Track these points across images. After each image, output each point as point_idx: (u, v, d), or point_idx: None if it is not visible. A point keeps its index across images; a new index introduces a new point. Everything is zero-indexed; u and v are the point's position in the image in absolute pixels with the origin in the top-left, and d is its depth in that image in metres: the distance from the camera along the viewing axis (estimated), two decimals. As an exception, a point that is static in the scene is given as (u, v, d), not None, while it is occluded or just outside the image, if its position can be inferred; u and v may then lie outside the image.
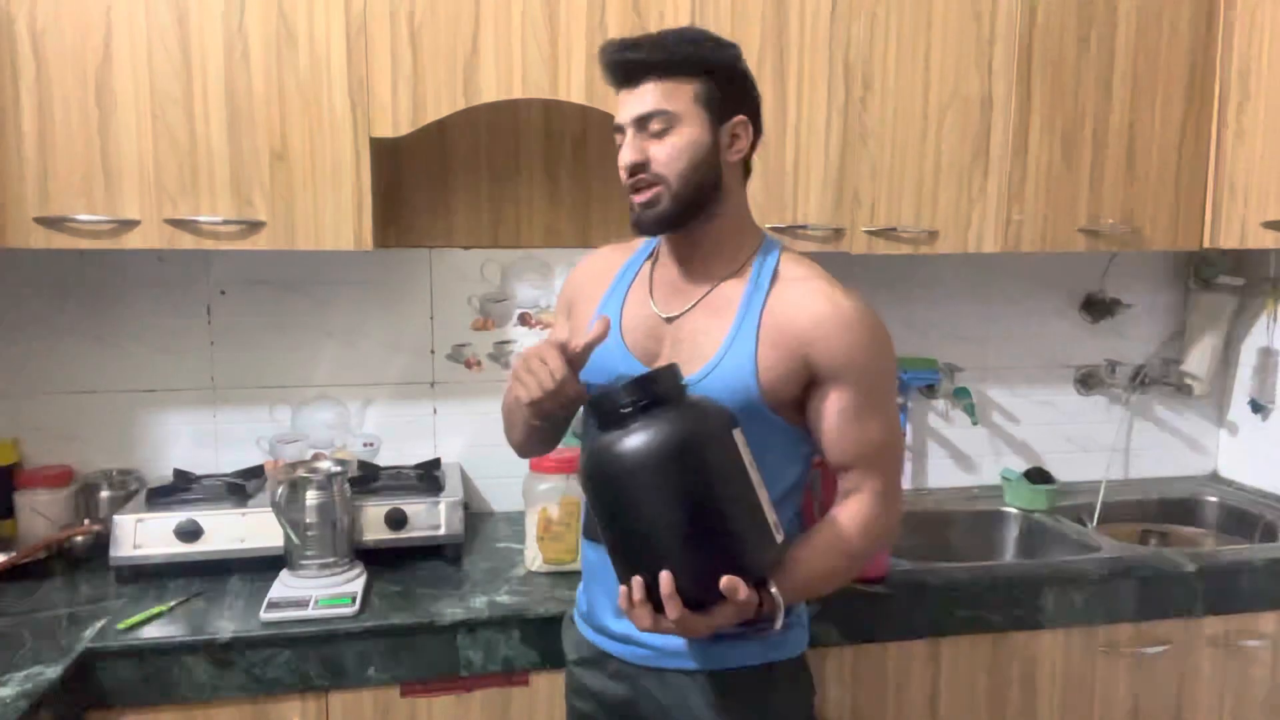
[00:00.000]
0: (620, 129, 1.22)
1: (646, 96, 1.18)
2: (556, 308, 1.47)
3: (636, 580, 1.05)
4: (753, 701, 1.22)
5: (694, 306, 1.26)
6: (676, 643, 1.22)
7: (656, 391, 1.05)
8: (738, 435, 1.09)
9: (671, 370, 1.10)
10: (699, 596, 1.03)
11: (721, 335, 1.22)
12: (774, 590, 1.11)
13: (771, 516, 1.09)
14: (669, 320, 1.27)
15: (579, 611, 1.37)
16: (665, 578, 1.03)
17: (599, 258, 1.41)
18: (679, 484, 1.02)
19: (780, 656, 1.25)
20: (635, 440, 1.02)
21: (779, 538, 1.10)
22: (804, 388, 1.21)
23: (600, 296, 1.34)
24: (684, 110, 1.18)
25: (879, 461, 1.22)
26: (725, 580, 1.03)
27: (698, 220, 1.23)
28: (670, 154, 1.18)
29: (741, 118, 1.22)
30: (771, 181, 1.77)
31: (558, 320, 1.45)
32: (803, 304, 1.21)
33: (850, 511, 1.22)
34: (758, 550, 1.07)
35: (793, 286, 1.23)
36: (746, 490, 1.07)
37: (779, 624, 1.12)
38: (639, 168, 1.19)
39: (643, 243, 1.37)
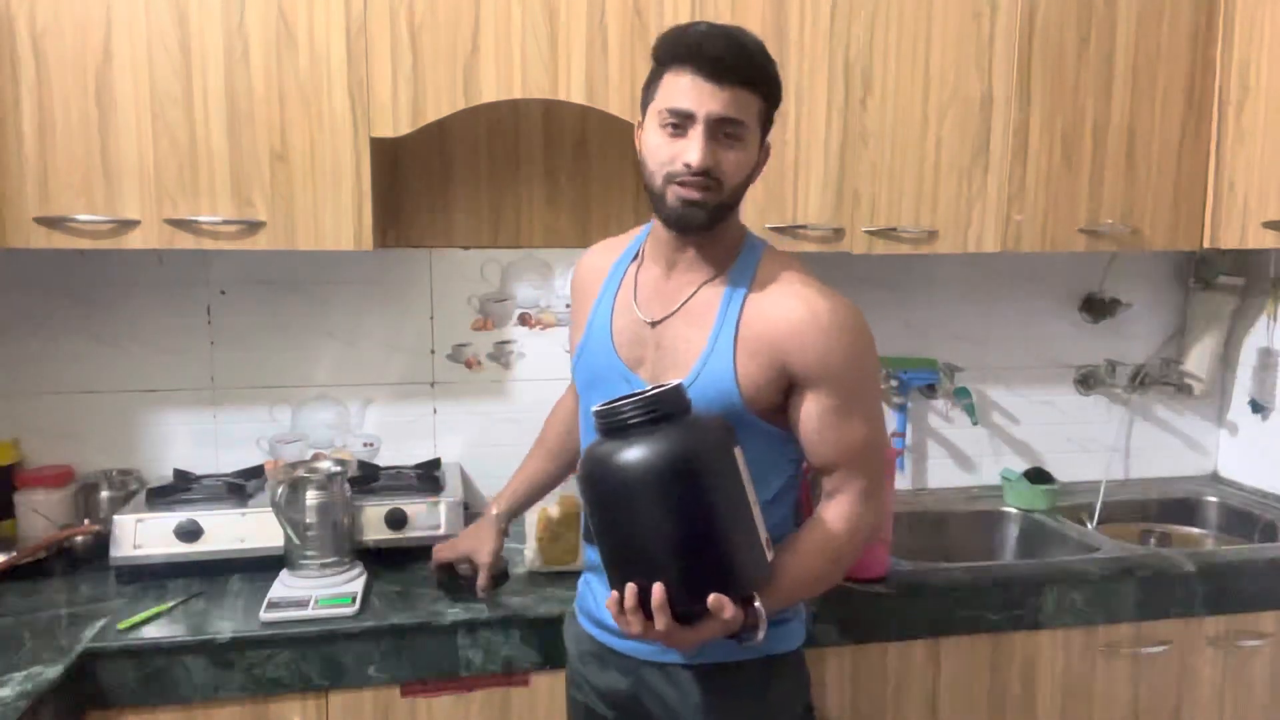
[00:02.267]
0: (683, 117, 1.15)
1: (729, 100, 1.14)
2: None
3: (630, 588, 1.06)
4: (752, 693, 1.24)
5: (676, 312, 1.25)
6: None
7: (664, 409, 1.05)
8: (738, 453, 1.10)
9: (678, 389, 1.09)
10: (687, 609, 1.05)
11: (701, 344, 1.22)
12: (758, 605, 1.12)
13: (764, 534, 1.11)
14: (652, 325, 1.27)
15: (581, 607, 1.38)
16: (658, 589, 1.04)
17: (592, 258, 1.41)
18: (678, 499, 1.03)
19: (779, 650, 1.26)
20: (637, 452, 1.03)
21: (770, 555, 1.12)
22: (785, 392, 1.21)
23: (592, 303, 1.35)
24: (751, 125, 1.18)
25: (861, 461, 1.21)
26: (713, 599, 1.04)
27: (717, 224, 1.22)
28: (736, 165, 1.17)
29: (768, 140, 1.25)
30: (771, 181, 1.77)
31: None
32: (778, 310, 1.20)
33: (835, 513, 1.22)
34: (748, 568, 1.09)
35: (770, 291, 1.22)
36: (743, 509, 1.08)
37: (761, 635, 1.12)
38: (708, 172, 1.16)
39: (630, 241, 1.36)
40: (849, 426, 1.20)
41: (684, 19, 1.68)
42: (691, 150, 1.14)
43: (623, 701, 1.30)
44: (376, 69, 1.59)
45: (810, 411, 1.20)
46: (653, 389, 1.08)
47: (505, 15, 1.63)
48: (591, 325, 1.33)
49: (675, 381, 1.11)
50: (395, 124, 1.61)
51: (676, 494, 1.03)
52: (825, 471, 1.23)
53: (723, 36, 1.15)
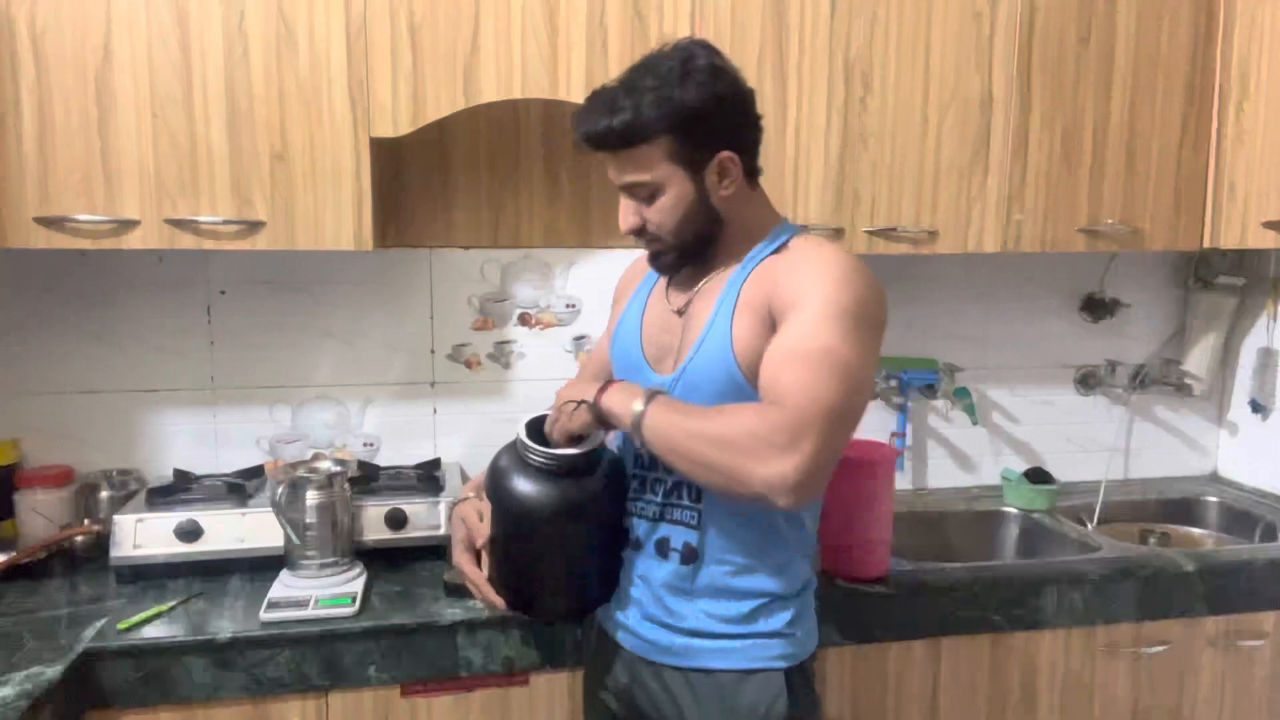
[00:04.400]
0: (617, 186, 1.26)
1: (624, 165, 1.20)
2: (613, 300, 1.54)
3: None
4: (726, 703, 1.23)
5: (698, 292, 1.29)
6: (669, 639, 1.26)
7: (557, 468, 1.25)
8: (585, 527, 1.28)
9: (581, 457, 1.25)
10: (510, 598, 1.33)
11: (709, 314, 1.24)
12: (609, 393, 1.21)
13: (591, 575, 1.32)
14: (679, 313, 1.30)
15: None
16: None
17: (634, 265, 1.49)
18: (525, 534, 1.28)
19: (759, 665, 1.23)
20: (519, 483, 1.25)
21: (589, 594, 1.34)
22: None
23: (628, 300, 1.42)
24: (661, 174, 1.19)
25: (792, 387, 1.08)
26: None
27: (709, 251, 1.27)
28: (661, 216, 1.22)
29: (725, 154, 1.19)
30: (771, 181, 1.76)
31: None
32: (784, 260, 1.21)
33: (736, 410, 1.14)
34: (545, 598, 1.34)
35: (789, 252, 1.23)
36: (556, 561, 1.30)
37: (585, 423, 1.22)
38: (638, 230, 1.25)
39: None
40: (805, 346, 1.09)
41: (684, 19, 1.68)
42: (620, 220, 1.26)
43: (624, 693, 1.33)
44: (376, 69, 1.59)
45: (776, 338, 1.14)
46: (558, 451, 1.24)
47: (505, 15, 1.63)
48: (625, 318, 1.40)
49: (584, 450, 1.25)
50: (395, 124, 1.61)
51: (525, 529, 1.27)
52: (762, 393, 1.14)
53: (594, 108, 1.19)
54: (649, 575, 1.28)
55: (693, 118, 1.16)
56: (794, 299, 1.14)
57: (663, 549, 1.27)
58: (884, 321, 1.18)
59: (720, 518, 1.23)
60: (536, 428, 1.30)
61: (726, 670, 1.23)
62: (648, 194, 1.21)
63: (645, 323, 1.35)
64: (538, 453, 1.24)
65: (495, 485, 1.28)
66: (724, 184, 1.21)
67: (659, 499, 1.27)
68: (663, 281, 1.37)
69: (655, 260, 1.29)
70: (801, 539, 1.28)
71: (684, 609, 1.25)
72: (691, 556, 1.24)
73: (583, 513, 1.26)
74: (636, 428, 1.17)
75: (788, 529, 1.25)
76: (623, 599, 1.32)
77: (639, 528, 1.29)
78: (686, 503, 1.25)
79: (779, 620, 1.25)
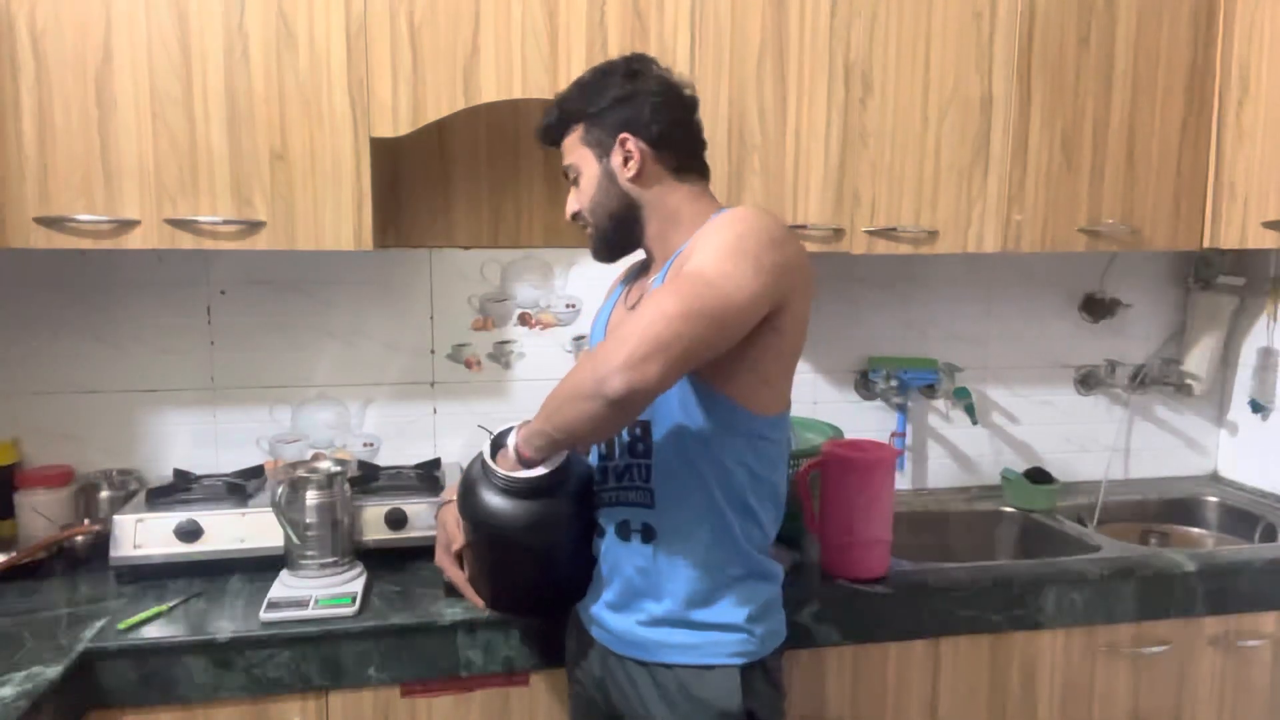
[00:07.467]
0: None
1: (562, 156, 1.36)
2: None
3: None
4: (684, 695, 1.25)
5: (646, 290, 1.33)
6: (633, 633, 1.29)
7: (522, 488, 1.25)
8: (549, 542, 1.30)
9: (548, 476, 1.24)
10: (490, 599, 1.41)
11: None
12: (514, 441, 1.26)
13: (566, 575, 1.37)
14: (633, 309, 1.34)
15: None
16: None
17: (616, 272, 1.53)
18: (486, 541, 1.32)
19: (716, 661, 1.25)
20: (490, 500, 1.26)
21: (566, 593, 1.39)
22: None
23: (603, 304, 1.48)
24: (577, 158, 1.33)
25: (678, 282, 1.15)
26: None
27: (635, 236, 1.34)
28: (581, 196, 1.34)
29: (622, 136, 1.29)
30: (771, 181, 1.77)
31: None
32: (701, 229, 1.25)
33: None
34: (529, 598, 1.41)
35: (708, 223, 1.26)
36: (542, 570, 1.35)
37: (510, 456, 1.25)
38: (575, 215, 1.37)
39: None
40: (690, 266, 1.17)
41: (684, 19, 1.69)
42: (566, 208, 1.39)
43: (597, 685, 1.36)
44: (376, 69, 1.59)
45: None
46: (519, 474, 1.24)
47: (505, 15, 1.63)
48: (595, 323, 1.47)
49: (546, 470, 1.24)
50: (395, 124, 1.61)
51: (496, 541, 1.30)
52: None
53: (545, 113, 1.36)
54: (617, 562, 1.31)
55: (598, 108, 1.31)
56: (689, 254, 1.21)
57: (624, 532, 1.30)
58: (775, 261, 1.17)
59: (671, 493, 1.26)
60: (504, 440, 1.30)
61: (685, 665, 1.25)
62: (574, 177, 1.34)
63: (610, 326, 1.40)
64: (500, 476, 1.25)
65: (465, 499, 1.29)
66: (627, 165, 1.30)
67: (615, 483, 1.31)
68: (627, 289, 1.43)
69: (591, 245, 1.38)
70: (755, 524, 1.29)
71: (650, 594, 1.27)
72: (650, 535, 1.27)
73: (552, 526, 1.28)
74: (536, 448, 1.23)
75: (736, 516, 1.27)
76: (595, 590, 1.35)
77: (603, 514, 1.33)
78: (637, 483, 1.28)
79: (740, 613, 1.26)
